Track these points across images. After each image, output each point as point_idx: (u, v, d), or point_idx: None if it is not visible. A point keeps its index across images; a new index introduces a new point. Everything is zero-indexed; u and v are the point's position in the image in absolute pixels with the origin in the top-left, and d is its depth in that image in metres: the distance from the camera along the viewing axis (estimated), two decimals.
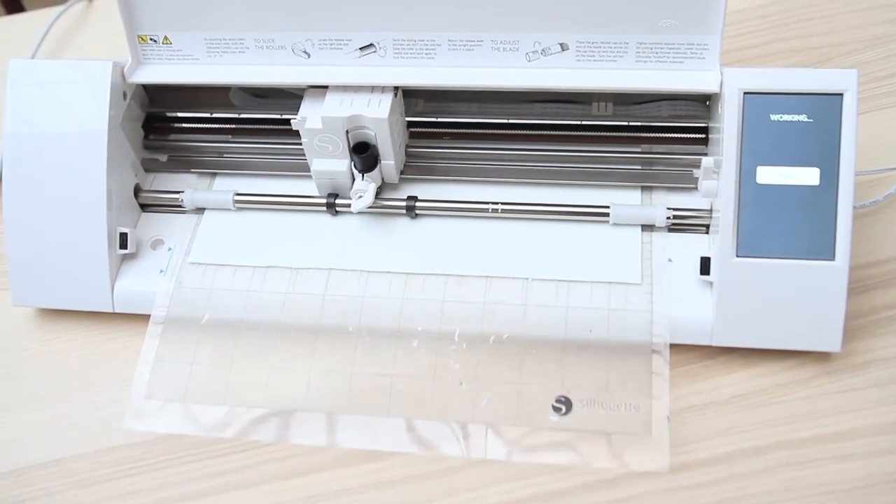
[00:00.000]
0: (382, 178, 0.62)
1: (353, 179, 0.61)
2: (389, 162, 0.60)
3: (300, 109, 0.60)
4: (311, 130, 0.59)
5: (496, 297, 0.57)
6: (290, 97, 0.64)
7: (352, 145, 0.60)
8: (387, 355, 0.56)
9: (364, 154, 0.59)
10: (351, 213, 0.61)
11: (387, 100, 0.58)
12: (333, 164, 0.60)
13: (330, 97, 0.59)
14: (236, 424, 0.55)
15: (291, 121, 0.59)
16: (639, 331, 0.55)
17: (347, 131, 0.59)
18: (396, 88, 0.59)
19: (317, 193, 0.62)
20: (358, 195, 0.60)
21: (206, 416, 0.56)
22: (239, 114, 0.65)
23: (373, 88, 0.59)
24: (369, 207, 0.60)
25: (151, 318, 0.59)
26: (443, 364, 0.56)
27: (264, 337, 0.58)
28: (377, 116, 0.58)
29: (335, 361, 0.57)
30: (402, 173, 0.63)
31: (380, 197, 0.61)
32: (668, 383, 0.53)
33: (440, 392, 0.55)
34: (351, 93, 0.59)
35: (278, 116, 0.64)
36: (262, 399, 0.56)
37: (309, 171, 0.63)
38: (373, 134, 0.59)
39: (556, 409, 0.53)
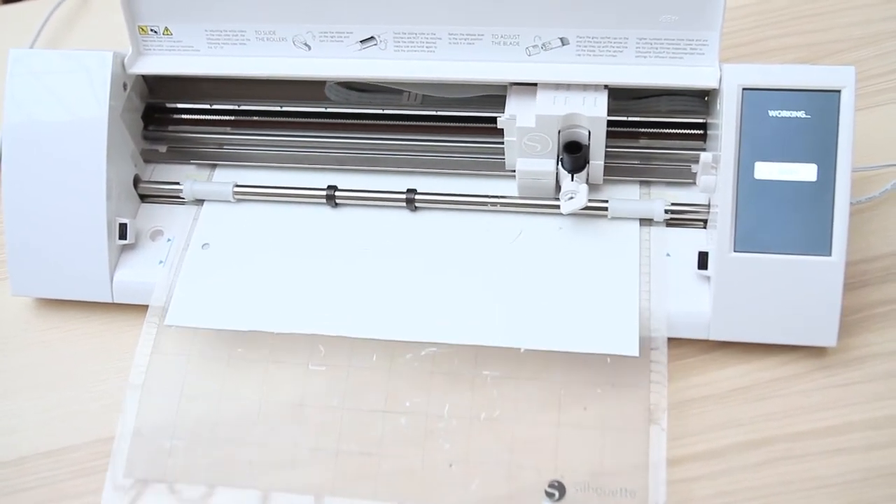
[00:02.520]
0: (588, 179, 0.60)
1: (557, 180, 0.59)
2: (598, 162, 0.59)
3: (507, 107, 0.58)
4: (522, 129, 0.57)
5: (487, 368, 0.56)
6: (387, 91, 0.64)
7: (563, 145, 0.58)
8: (374, 433, 0.54)
9: (577, 154, 0.58)
10: (351, 206, 0.62)
11: (602, 98, 0.57)
12: (540, 163, 0.58)
13: (542, 95, 0.57)
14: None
15: (498, 119, 0.58)
16: (636, 408, 0.54)
17: (559, 130, 0.58)
18: (607, 87, 0.58)
19: (316, 185, 0.62)
20: (569, 196, 0.57)
21: (188, 492, 0.54)
22: (238, 105, 0.65)
23: (585, 86, 0.57)
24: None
25: (149, 309, 0.59)
26: (432, 444, 0.54)
27: (247, 410, 0.56)
28: (595, 115, 0.56)
29: (321, 439, 0.55)
30: None
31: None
32: (664, 468, 0.52)
33: (429, 474, 0.53)
34: (563, 90, 0.57)
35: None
36: (245, 478, 0.54)
37: (309, 164, 0.64)
38: (586, 133, 0.58)
39: (549, 495, 0.52)
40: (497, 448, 0.54)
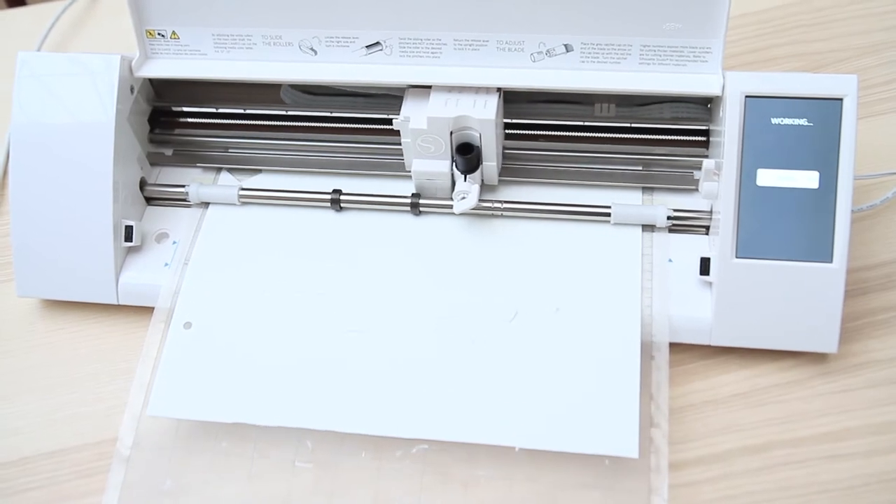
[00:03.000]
0: (483, 180, 0.61)
1: (453, 180, 0.61)
2: (491, 163, 0.60)
3: (402, 109, 0.59)
4: (414, 130, 0.59)
5: (481, 467, 0.53)
6: (343, 95, 0.64)
7: (455, 146, 0.59)
8: None
9: (469, 155, 0.59)
10: (355, 209, 0.62)
11: (492, 101, 0.58)
12: (434, 164, 0.60)
13: (434, 97, 0.59)
14: None
15: (393, 120, 0.59)
16: None
17: (452, 132, 0.59)
18: (499, 89, 0.59)
19: (322, 189, 0.62)
20: (461, 196, 0.59)
21: None
22: (244, 109, 0.66)
23: (477, 89, 0.59)
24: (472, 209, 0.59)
25: (154, 311, 0.60)
26: None
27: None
28: (484, 118, 0.57)
29: None
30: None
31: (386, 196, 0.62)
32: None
33: None
34: (455, 93, 0.59)
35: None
36: None
37: (314, 168, 0.64)
38: (478, 135, 0.59)
39: None
40: None
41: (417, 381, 0.55)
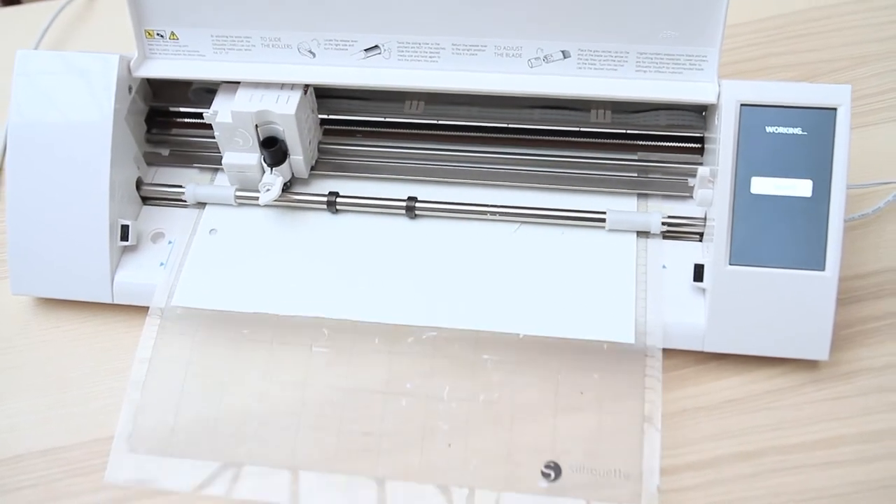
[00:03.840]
0: (293, 173, 0.63)
1: (263, 173, 0.63)
2: (298, 157, 0.62)
3: (213, 103, 0.62)
4: (221, 124, 0.61)
5: (487, 352, 0.57)
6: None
7: (261, 140, 0.61)
8: (375, 413, 0.56)
9: (272, 148, 0.61)
10: (351, 212, 0.62)
11: (295, 96, 0.60)
12: (244, 157, 0.62)
13: (241, 93, 0.61)
14: (221, 481, 0.54)
15: (204, 114, 0.61)
16: (631, 394, 0.55)
17: (257, 126, 0.60)
18: (307, 86, 0.62)
19: (320, 191, 0.63)
20: (266, 188, 0.61)
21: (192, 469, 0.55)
22: None
23: (282, 85, 0.61)
24: (276, 201, 0.62)
25: (150, 310, 0.60)
26: (432, 425, 0.55)
27: (250, 391, 0.57)
28: (284, 112, 0.60)
29: (323, 419, 0.56)
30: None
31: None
32: (658, 447, 0.53)
33: (428, 453, 0.54)
34: (262, 89, 0.61)
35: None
36: (248, 456, 0.55)
37: (311, 171, 0.64)
38: (281, 129, 0.61)
39: (546, 475, 0.53)
40: (495, 429, 0.55)
41: (426, 279, 0.59)
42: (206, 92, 0.65)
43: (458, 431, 0.55)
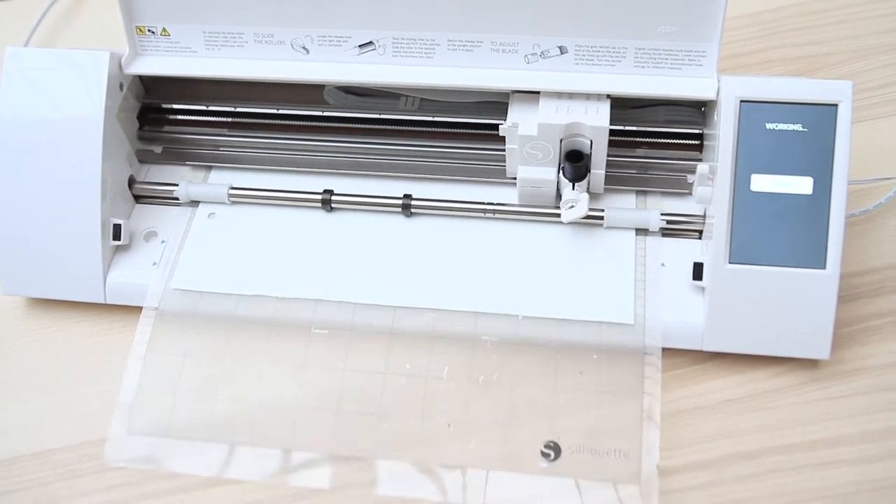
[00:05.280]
0: (589, 188, 0.60)
1: (558, 188, 0.59)
2: (599, 172, 0.59)
3: (508, 115, 0.58)
4: (524, 137, 0.58)
5: (486, 333, 0.57)
6: (385, 96, 0.64)
7: (564, 153, 0.58)
8: (374, 393, 0.56)
9: (579, 163, 0.58)
10: (346, 210, 0.62)
11: (605, 108, 0.57)
12: (541, 171, 0.59)
13: (543, 103, 0.58)
14: (219, 462, 0.54)
15: (500, 127, 0.58)
16: (630, 373, 0.54)
17: (561, 139, 0.58)
18: (608, 96, 0.58)
19: (312, 189, 0.62)
20: (569, 205, 0.57)
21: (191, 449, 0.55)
22: (235, 107, 0.65)
23: (588, 96, 0.58)
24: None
25: (143, 310, 0.59)
26: (431, 405, 0.55)
27: (249, 371, 0.57)
28: (598, 125, 0.56)
29: (322, 398, 0.56)
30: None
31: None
32: (658, 425, 0.53)
33: (428, 433, 0.54)
34: (566, 99, 0.58)
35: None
36: (247, 437, 0.55)
37: (305, 168, 0.64)
38: (588, 142, 0.58)
39: (545, 455, 0.53)
40: (494, 409, 0.55)
41: (425, 267, 0.59)
42: (204, 84, 0.65)
43: (458, 412, 0.55)
